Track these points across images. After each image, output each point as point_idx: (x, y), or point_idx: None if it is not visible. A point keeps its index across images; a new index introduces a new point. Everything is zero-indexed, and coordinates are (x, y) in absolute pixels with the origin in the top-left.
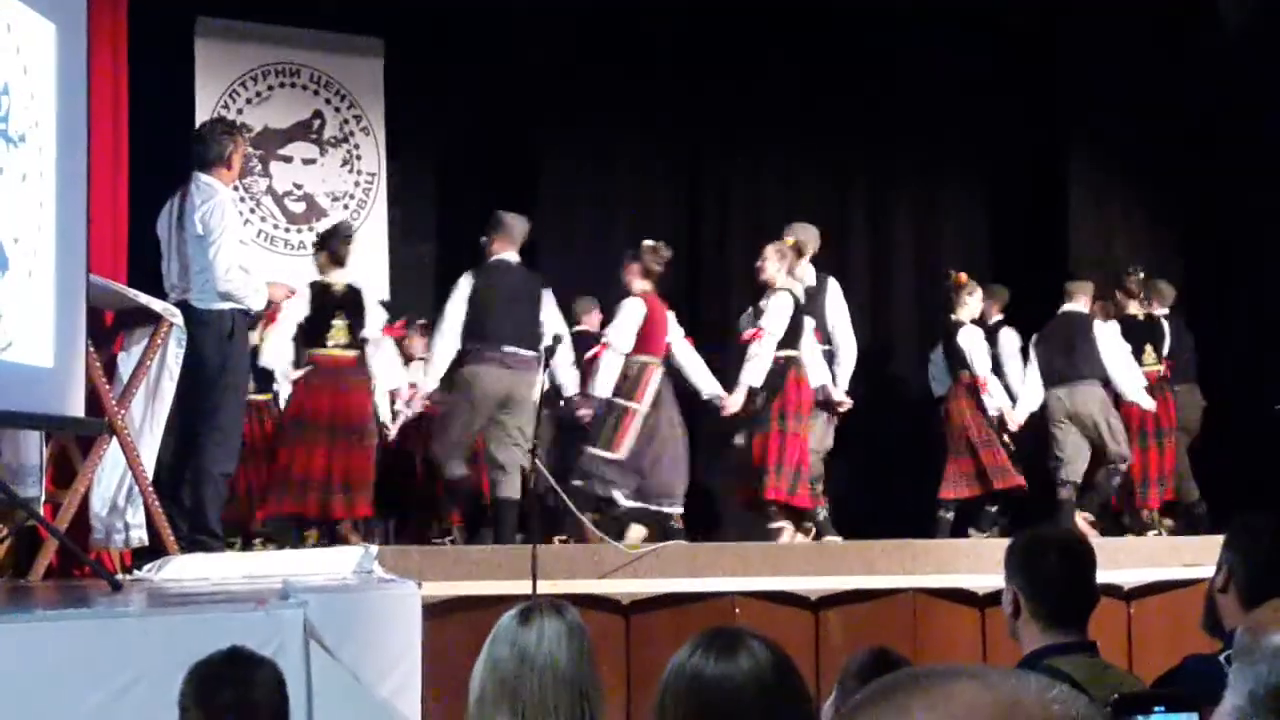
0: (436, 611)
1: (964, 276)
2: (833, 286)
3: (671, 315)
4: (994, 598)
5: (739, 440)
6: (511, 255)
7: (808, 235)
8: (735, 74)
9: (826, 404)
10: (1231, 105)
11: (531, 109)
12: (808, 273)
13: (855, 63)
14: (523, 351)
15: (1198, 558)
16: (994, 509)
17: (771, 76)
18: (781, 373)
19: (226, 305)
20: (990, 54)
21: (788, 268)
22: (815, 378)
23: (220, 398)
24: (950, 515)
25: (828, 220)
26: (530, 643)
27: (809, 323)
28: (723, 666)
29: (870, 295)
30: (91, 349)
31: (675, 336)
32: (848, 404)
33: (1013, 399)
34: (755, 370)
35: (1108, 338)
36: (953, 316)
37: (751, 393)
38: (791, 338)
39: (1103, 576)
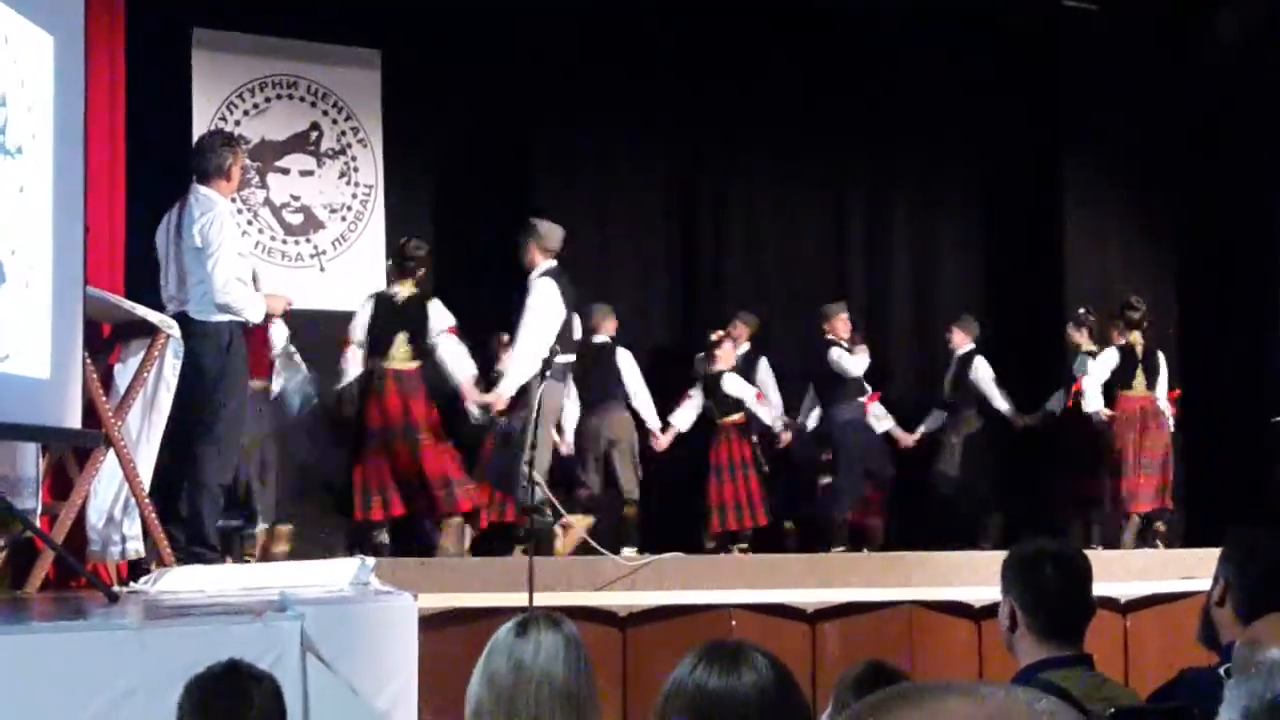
0: (433, 623)
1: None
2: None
3: None
4: (990, 610)
5: None
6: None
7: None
8: (734, 77)
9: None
10: (1232, 107)
11: (530, 120)
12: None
13: (855, 63)
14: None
15: (1194, 570)
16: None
17: (772, 77)
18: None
19: (224, 317)
20: (991, 54)
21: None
22: None
23: (218, 410)
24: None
25: (826, 218)
26: (527, 655)
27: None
28: (725, 681)
29: (867, 299)
30: (88, 361)
31: None
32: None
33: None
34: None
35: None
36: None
37: None
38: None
39: (1098, 589)
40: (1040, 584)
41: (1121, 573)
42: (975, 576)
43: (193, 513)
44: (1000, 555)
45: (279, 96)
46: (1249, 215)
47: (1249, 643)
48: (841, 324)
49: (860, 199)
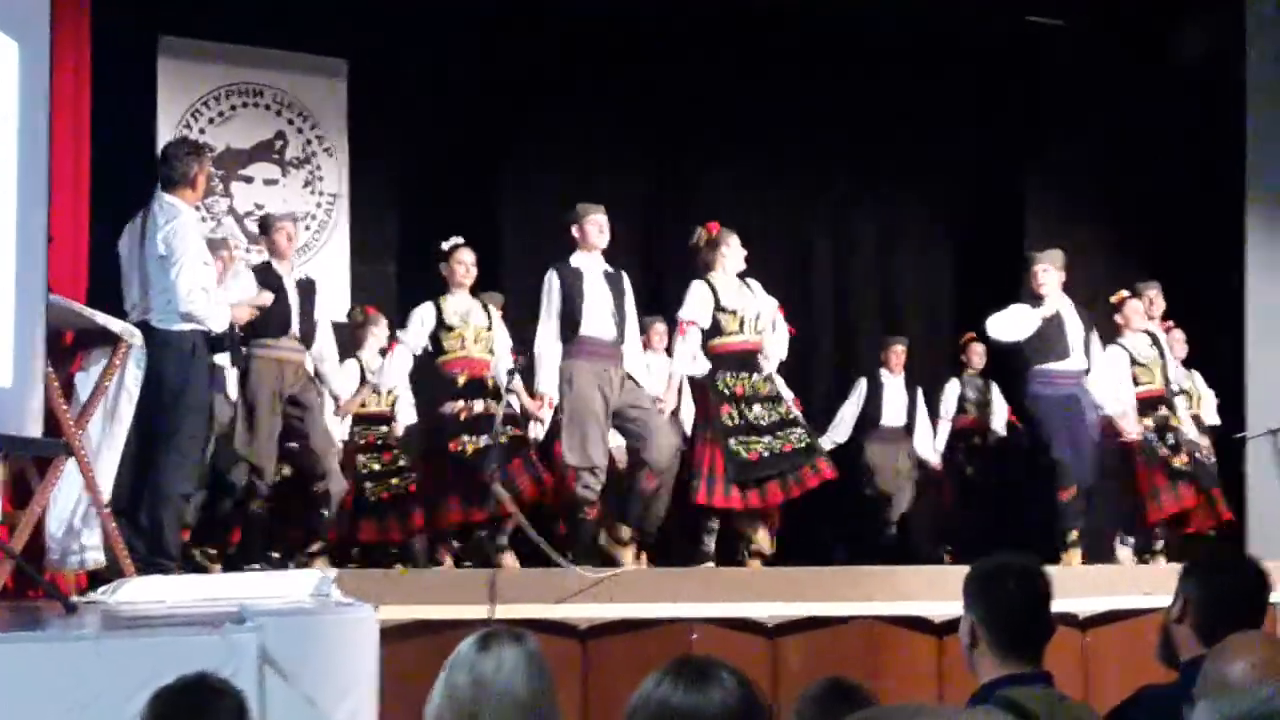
0: (394, 636)
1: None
2: None
3: None
4: (951, 625)
5: None
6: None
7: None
8: (702, 90)
9: None
10: (1197, 126)
11: (496, 130)
12: None
13: (818, 81)
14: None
15: (1154, 586)
16: None
17: (738, 95)
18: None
19: (188, 326)
20: (957, 72)
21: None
22: None
23: (180, 419)
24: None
25: (789, 239)
26: (488, 671)
27: None
28: (692, 697)
29: (833, 318)
30: (50, 369)
31: None
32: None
33: None
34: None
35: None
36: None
37: None
38: None
39: (1058, 605)
40: (1001, 601)
41: (1080, 588)
42: (937, 591)
43: (153, 523)
44: (962, 570)
45: (244, 105)
46: (1215, 236)
47: (1215, 662)
48: None
49: (825, 220)
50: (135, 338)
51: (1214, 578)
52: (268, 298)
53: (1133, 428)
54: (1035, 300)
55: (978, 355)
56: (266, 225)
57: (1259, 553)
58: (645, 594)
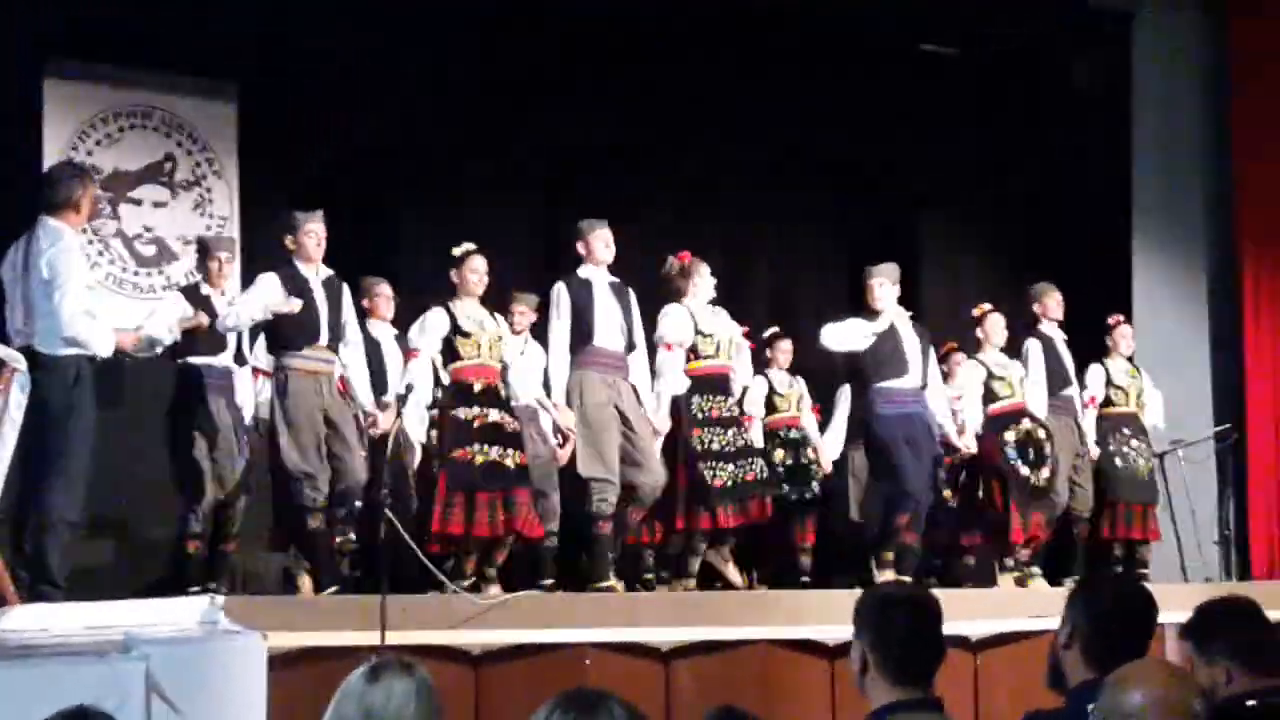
0: (283, 663)
1: None
2: None
3: None
4: (843, 649)
5: None
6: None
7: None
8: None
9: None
10: (1088, 156)
11: (390, 152)
12: None
13: (707, 113)
14: None
15: (1044, 609)
16: None
17: (629, 132)
18: None
19: (72, 351)
20: (853, 101)
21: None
22: None
23: (66, 444)
24: None
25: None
26: (378, 702)
27: None
28: None
29: None
30: None
31: None
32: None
33: None
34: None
35: None
36: None
37: None
38: None
39: (951, 627)
40: (890, 627)
41: (972, 610)
42: (829, 615)
43: (37, 550)
44: (853, 594)
45: (133, 126)
46: (1107, 265)
47: (1113, 691)
48: None
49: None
50: (19, 363)
51: (1099, 602)
52: (296, 304)
53: (971, 444)
54: (871, 314)
55: (784, 353)
56: (293, 226)
57: (1157, 574)
58: (538, 619)
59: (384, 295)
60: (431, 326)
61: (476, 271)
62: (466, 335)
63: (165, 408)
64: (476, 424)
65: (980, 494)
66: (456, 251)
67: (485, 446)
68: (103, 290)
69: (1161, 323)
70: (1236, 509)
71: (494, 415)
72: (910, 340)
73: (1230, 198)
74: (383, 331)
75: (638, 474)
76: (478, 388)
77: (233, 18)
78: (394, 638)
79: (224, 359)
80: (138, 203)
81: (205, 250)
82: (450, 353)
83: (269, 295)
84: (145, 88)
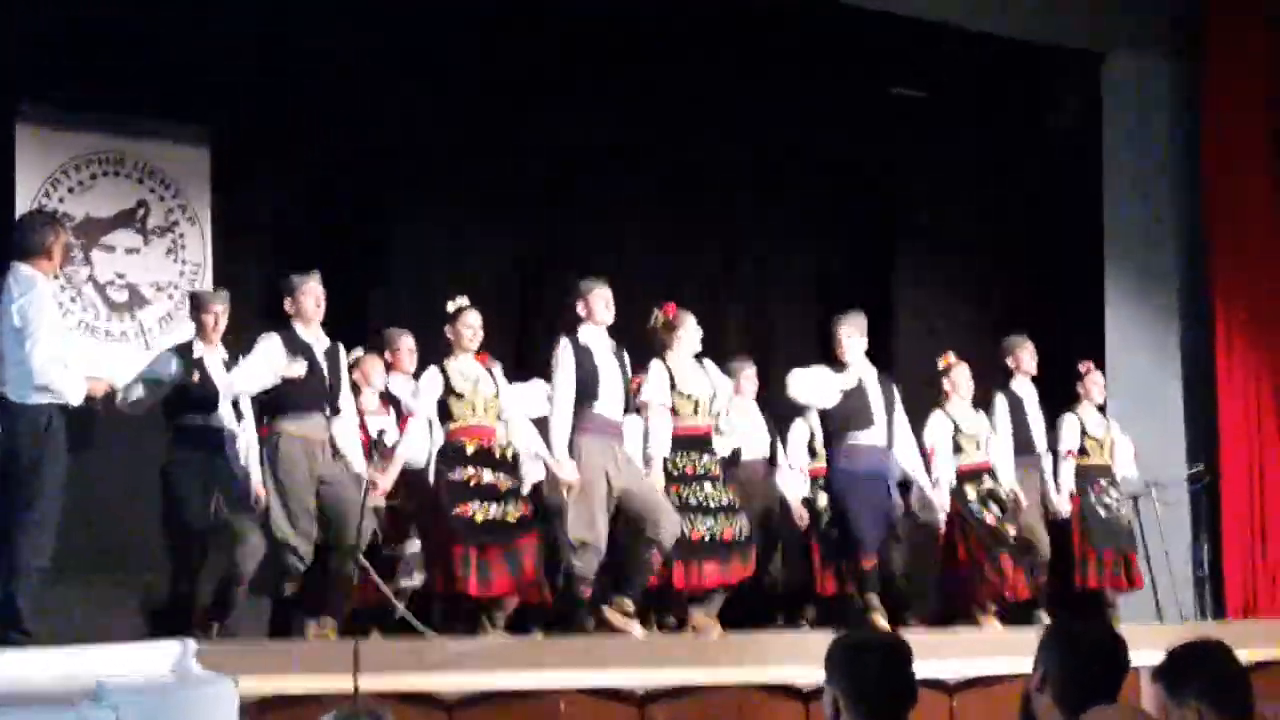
0: (254, 711)
1: None
2: None
3: None
4: (818, 693)
5: None
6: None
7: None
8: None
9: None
10: (1060, 191)
11: (363, 195)
12: None
13: (686, 144)
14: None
15: (1019, 650)
16: None
17: (612, 163)
18: None
19: (44, 399)
20: (828, 139)
21: None
22: None
23: (35, 491)
24: None
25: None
26: None
27: None
28: None
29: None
30: None
31: None
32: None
33: None
34: None
35: None
36: None
37: None
38: None
39: (927, 669)
40: (862, 674)
41: (948, 652)
42: (805, 657)
43: (7, 597)
44: (825, 637)
45: (105, 173)
46: (1081, 298)
47: None
48: None
49: (694, 282)
50: None
51: (1071, 647)
52: (301, 367)
53: (943, 501)
54: (838, 366)
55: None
56: (289, 288)
57: (1123, 616)
58: (513, 663)
59: (406, 348)
60: (425, 388)
61: (470, 327)
62: (460, 396)
63: (157, 461)
64: (472, 484)
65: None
66: (450, 307)
67: (485, 504)
68: (72, 336)
69: (1135, 363)
70: (1211, 549)
71: (488, 476)
72: (876, 395)
73: (1203, 239)
74: (403, 387)
75: (651, 530)
76: (470, 450)
77: (205, 57)
78: (368, 683)
79: (219, 419)
80: (110, 249)
81: (199, 304)
82: (444, 413)
83: (275, 360)
84: (117, 134)
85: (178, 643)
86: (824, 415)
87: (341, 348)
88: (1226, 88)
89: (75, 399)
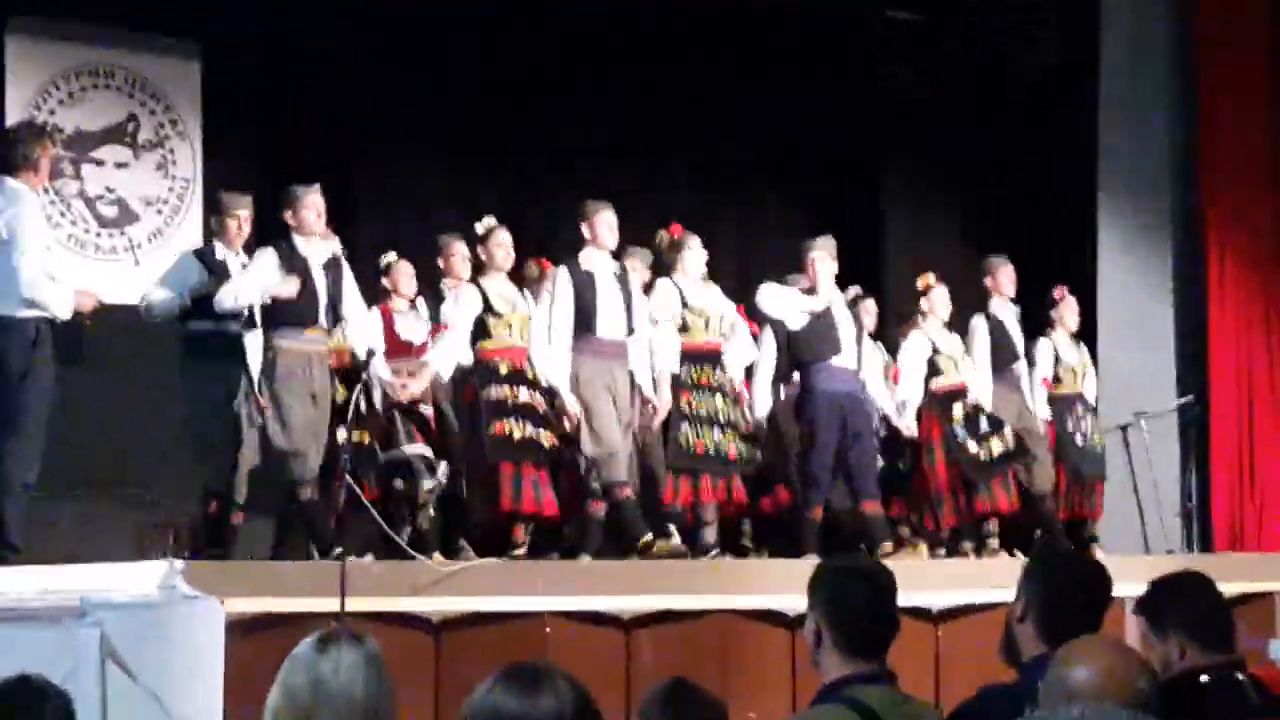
0: (240, 629)
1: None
2: None
3: None
4: (802, 619)
5: None
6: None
7: None
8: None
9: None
10: (1051, 117)
11: (353, 117)
12: None
13: (674, 71)
14: None
15: (1005, 580)
16: None
17: (590, 91)
18: None
19: (31, 313)
20: (814, 64)
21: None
22: None
23: (22, 407)
24: None
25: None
26: (326, 672)
27: None
28: (522, 703)
29: None
30: None
31: None
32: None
33: None
34: None
35: None
36: None
37: None
38: None
39: (912, 598)
40: (844, 601)
41: (934, 582)
42: (790, 584)
43: None
44: (812, 563)
45: (95, 86)
46: (1070, 223)
47: (1059, 667)
48: None
49: (680, 206)
50: None
51: (1053, 577)
52: (293, 286)
53: (911, 426)
54: (808, 291)
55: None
56: (292, 199)
57: (1110, 547)
58: (499, 587)
59: (460, 254)
60: (466, 302)
61: (503, 246)
62: (498, 315)
63: (168, 371)
64: (510, 403)
65: (913, 470)
66: (480, 229)
67: (521, 423)
68: (61, 250)
69: (1126, 294)
70: (1199, 481)
71: (524, 395)
72: (845, 322)
73: (1195, 169)
74: (448, 295)
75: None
76: (504, 370)
77: None
78: (355, 604)
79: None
80: (100, 163)
81: (221, 208)
82: (479, 331)
83: (267, 278)
84: (109, 46)
85: (165, 562)
86: (793, 342)
87: (343, 257)
88: (1221, 14)
89: (63, 313)
